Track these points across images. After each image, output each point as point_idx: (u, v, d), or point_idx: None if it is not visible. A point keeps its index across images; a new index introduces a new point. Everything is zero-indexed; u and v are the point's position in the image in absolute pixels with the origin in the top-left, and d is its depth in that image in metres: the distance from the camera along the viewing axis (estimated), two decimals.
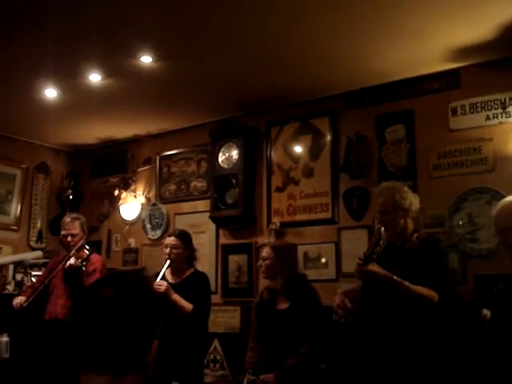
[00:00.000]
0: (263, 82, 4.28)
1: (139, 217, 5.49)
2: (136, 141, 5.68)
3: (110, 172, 5.86)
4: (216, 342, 4.72)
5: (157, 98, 4.59)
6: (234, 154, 4.79)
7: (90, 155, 6.09)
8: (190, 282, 3.75)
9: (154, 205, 5.42)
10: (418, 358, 2.80)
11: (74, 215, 4.30)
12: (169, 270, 3.76)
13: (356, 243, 4.10)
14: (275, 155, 4.77)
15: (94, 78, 4.12)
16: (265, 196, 4.77)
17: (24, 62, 3.86)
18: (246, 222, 4.78)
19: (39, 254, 5.39)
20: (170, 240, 3.76)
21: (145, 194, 5.55)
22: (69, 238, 4.09)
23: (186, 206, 5.26)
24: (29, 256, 5.30)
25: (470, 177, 3.84)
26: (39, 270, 4.88)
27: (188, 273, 3.79)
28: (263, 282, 4.01)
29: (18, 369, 4.44)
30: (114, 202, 5.66)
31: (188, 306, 3.60)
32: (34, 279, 4.77)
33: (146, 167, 5.58)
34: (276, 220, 4.63)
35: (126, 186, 5.58)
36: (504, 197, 3.05)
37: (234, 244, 4.88)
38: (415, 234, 3.02)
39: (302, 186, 4.58)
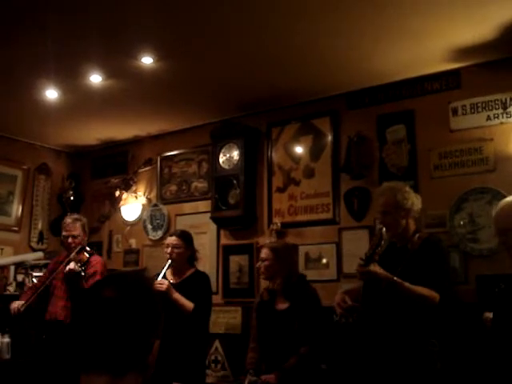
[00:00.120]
0: (263, 82, 4.28)
1: (140, 217, 5.50)
2: (137, 141, 5.69)
3: (110, 173, 5.86)
4: (217, 343, 4.72)
5: (157, 98, 4.59)
6: (235, 154, 4.79)
7: (90, 156, 6.09)
8: (191, 281, 3.75)
9: (155, 205, 5.42)
10: (420, 358, 2.79)
11: (75, 216, 4.29)
12: (170, 270, 3.77)
13: (357, 244, 4.10)
14: (276, 156, 4.77)
15: (95, 78, 4.12)
16: (266, 196, 4.77)
17: (25, 62, 3.87)
18: (247, 223, 4.78)
19: (40, 254, 5.38)
20: (172, 239, 3.77)
21: (146, 194, 5.55)
22: (70, 239, 4.08)
23: (187, 207, 5.26)
24: (30, 257, 5.30)
25: (471, 177, 3.84)
26: (40, 271, 4.87)
27: (189, 273, 3.80)
28: (264, 283, 4.00)
29: (19, 370, 4.43)
30: (115, 202, 5.67)
31: (189, 304, 3.60)
32: (35, 280, 4.77)
33: (146, 168, 5.58)
34: (277, 220, 4.63)
35: (126, 186, 5.59)
36: (505, 197, 3.04)
37: (234, 244, 4.88)
38: (417, 235, 3.01)
39: (303, 186, 4.58)
